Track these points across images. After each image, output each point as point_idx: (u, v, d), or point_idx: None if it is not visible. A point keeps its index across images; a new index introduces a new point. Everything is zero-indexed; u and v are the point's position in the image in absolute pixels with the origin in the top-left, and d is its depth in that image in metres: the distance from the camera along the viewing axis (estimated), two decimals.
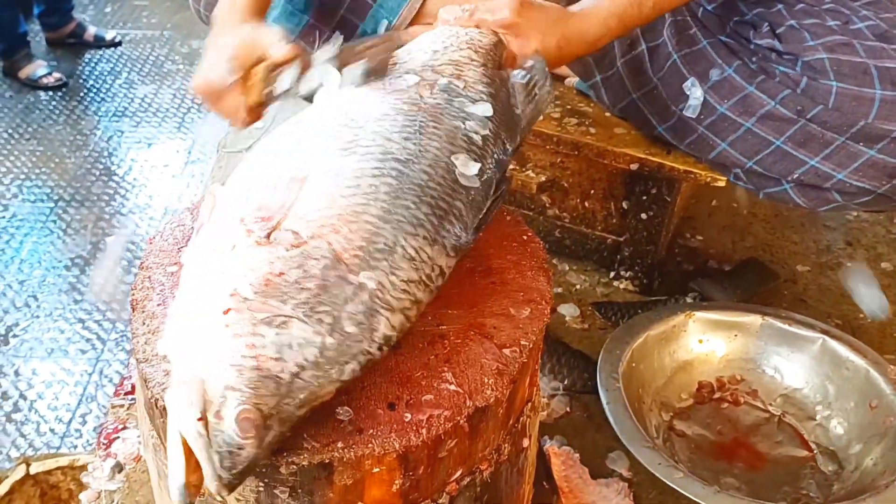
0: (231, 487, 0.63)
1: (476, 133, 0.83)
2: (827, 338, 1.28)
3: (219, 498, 0.64)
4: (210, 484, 0.62)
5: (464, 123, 0.83)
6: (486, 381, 0.75)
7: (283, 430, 0.65)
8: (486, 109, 0.85)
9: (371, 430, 0.70)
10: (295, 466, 0.68)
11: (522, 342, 0.79)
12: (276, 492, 0.71)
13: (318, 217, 0.71)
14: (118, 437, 1.07)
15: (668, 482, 1.06)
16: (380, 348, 0.70)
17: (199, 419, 0.62)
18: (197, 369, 0.65)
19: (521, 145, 0.89)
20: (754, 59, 1.18)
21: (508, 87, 0.91)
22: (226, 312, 0.66)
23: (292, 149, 0.79)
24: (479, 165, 0.80)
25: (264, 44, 0.93)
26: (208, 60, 0.95)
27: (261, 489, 0.71)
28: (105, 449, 1.07)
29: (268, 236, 0.70)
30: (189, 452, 0.62)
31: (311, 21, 1.32)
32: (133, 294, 0.82)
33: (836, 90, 1.08)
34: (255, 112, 0.92)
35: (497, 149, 0.84)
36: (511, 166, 0.88)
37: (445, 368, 0.76)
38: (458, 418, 0.72)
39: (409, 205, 0.74)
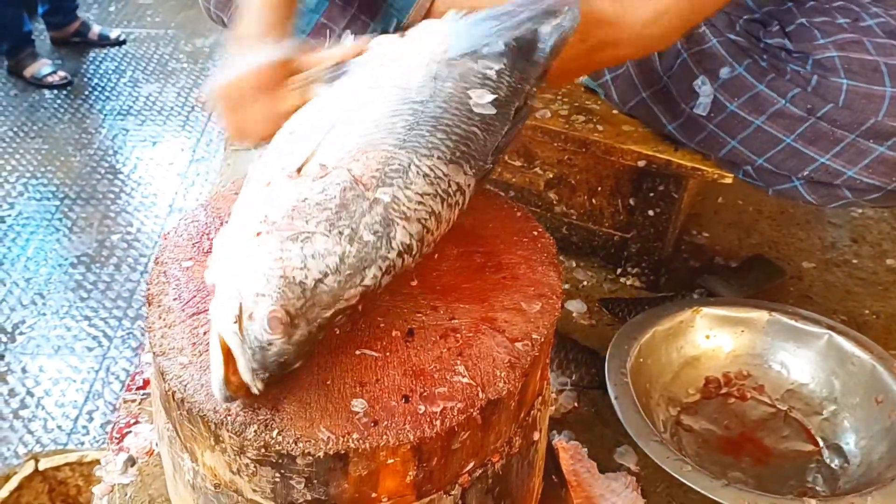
0: (263, 381, 0.69)
1: (489, 68, 0.86)
2: (833, 333, 1.29)
3: (255, 391, 0.69)
4: (245, 375, 0.69)
5: (476, 63, 0.86)
6: (498, 374, 0.76)
7: (311, 329, 0.71)
8: (497, 46, 0.87)
9: (386, 422, 0.70)
10: (311, 457, 0.69)
11: (534, 336, 0.80)
12: (292, 482, 0.72)
13: (342, 151, 0.79)
14: (130, 432, 1.08)
15: (676, 476, 1.07)
16: (399, 255, 0.76)
17: (235, 322, 0.70)
18: (234, 283, 0.72)
19: (545, 74, 0.91)
20: (764, 56, 1.18)
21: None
22: (258, 235, 0.74)
23: (320, 110, 0.87)
24: (494, 96, 0.84)
25: (296, 55, 0.93)
26: (232, 68, 0.95)
27: (277, 479, 0.72)
28: (118, 443, 1.07)
29: (298, 171, 0.78)
30: (228, 353, 0.69)
31: (322, 20, 1.32)
32: (149, 289, 0.83)
33: (846, 88, 1.08)
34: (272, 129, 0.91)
35: (513, 79, 0.87)
36: (533, 98, 0.90)
37: (458, 361, 0.76)
38: (471, 410, 0.73)
39: (424, 133, 0.80)
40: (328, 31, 1.40)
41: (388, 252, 0.75)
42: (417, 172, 0.78)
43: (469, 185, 0.82)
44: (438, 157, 0.79)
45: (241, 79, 0.93)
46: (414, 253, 0.77)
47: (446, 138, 0.81)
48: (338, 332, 0.78)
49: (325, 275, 0.72)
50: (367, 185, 0.76)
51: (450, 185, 0.80)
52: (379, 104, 0.83)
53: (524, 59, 0.89)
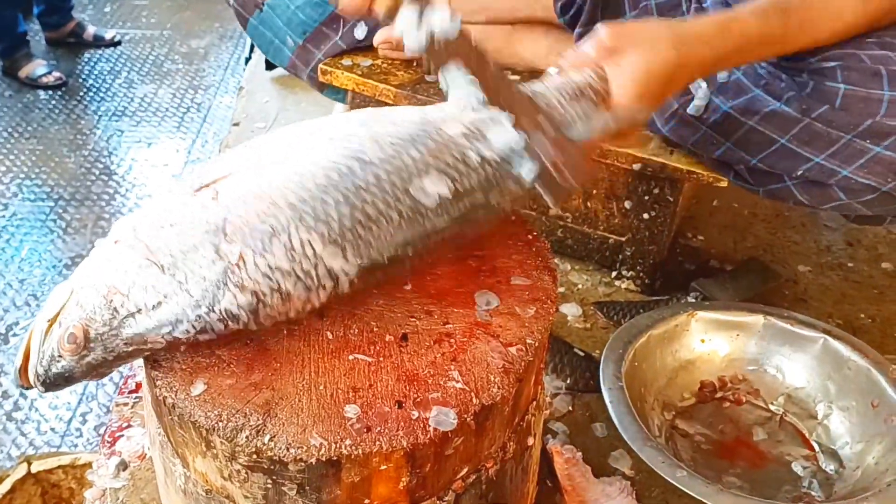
0: (43, 385, 0.72)
1: (478, 152, 0.79)
2: (828, 337, 1.28)
3: (38, 391, 0.73)
4: (30, 374, 0.72)
5: (471, 143, 0.79)
6: (492, 379, 0.75)
7: (106, 357, 0.72)
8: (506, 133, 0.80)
9: (379, 428, 0.70)
10: (303, 464, 0.69)
11: (528, 341, 0.80)
12: (284, 489, 0.71)
13: (243, 188, 0.74)
14: (123, 436, 1.08)
15: (671, 480, 1.07)
16: (221, 321, 0.71)
17: (48, 321, 0.72)
18: (76, 283, 0.73)
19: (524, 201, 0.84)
20: (763, 64, 1.18)
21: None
22: (116, 242, 0.74)
23: (286, 135, 0.82)
24: (446, 183, 0.76)
25: None
26: None
27: (269, 486, 0.71)
28: (109, 447, 1.07)
29: (197, 191, 0.75)
30: (28, 348, 0.72)
31: (336, 10, 1.33)
32: None
33: (843, 92, 1.08)
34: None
35: (492, 178, 0.79)
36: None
37: (452, 366, 0.76)
38: (465, 416, 0.73)
39: (329, 200, 0.73)
40: (342, 20, 1.40)
41: (208, 314, 0.71)
42: (282, 242, 0.71)
43: (348, 274, 0.73)
44: (321, 234, 0.72)
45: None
46: (243, 322, 0.72)
47: (347, 215, 0.73)
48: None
49: (139, 311, 0.71)
50: (227, 235, 0.71)
51: (316, 268, 0.72)
52: (330, 148, 0.77)
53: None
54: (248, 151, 0.81)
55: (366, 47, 1.50)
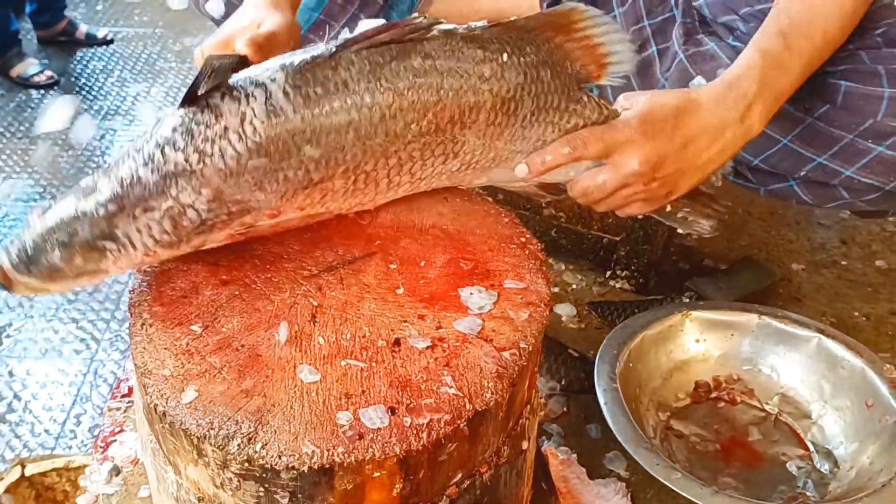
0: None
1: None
2: (822, 336, 1.28)
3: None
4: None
5: None
6: (485, 384, 0.75)
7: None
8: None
9: (371, 435, 0.69)
10: (295, 471, 0.68)
11: (522, 345, 0.79)
12: (277, 496, 0.70)
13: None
14: (115, 441, 1.07)
15: (666, 483, 1.07)
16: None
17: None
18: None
19: None
20: None
21: None
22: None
23: None
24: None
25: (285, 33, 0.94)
26: (222, 30, 0.95)
27: (261, 494, 0.71)
28: (102, 452, 1.06)
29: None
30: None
31: (322, 17, 1.32)
32: (131, 298, 0.81)
33: (844, 89, 1.07)
34: None
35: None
36: None
37: (445, 372, 0.75)
38: (458, 422, 0.72)
39: None
40: (327, 27, 1.40)
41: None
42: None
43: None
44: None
45: (225, 38, 0.94)
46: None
47: None
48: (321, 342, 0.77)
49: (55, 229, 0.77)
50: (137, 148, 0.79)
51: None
52: None
53: None
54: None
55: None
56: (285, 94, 0.78)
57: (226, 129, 0.77)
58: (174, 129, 0.77)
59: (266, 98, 0.78)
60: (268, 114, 0.77)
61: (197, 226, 0.78)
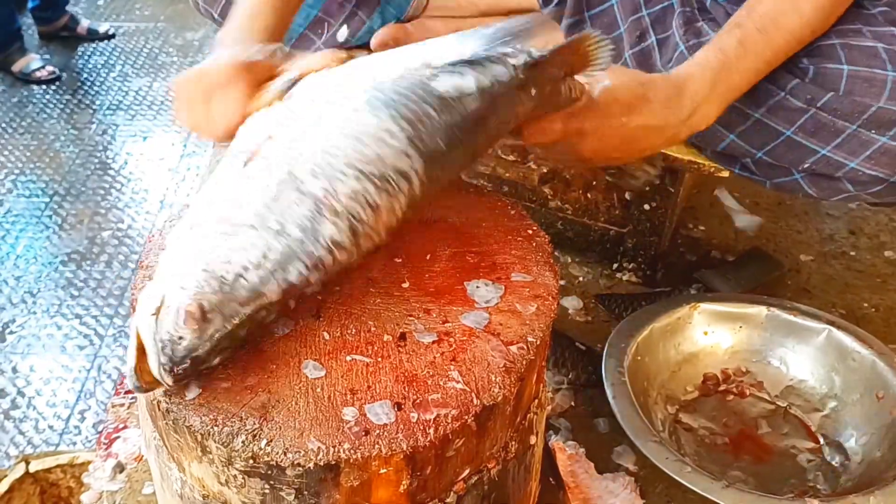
0: (171, 373, 0.69)
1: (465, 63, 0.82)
2: (832, 328, 1.27)
3: (165, 385, 0.69)
4: (153, 367, 0.68)
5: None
6: (493, 378, 0.74)
7: (226, 325, 0.70)
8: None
9: (377, 431, 0.68)
10: (301, 468, 0.67)
11: (529, 339, 0.78)
12: (282, 493, 0.70)
13: (288, 145, 0.77)
14: (119, 437, 1.06)
15: (675, 477, 1.05)
16: (327, 249, 0.73)
17: (153, 314, 0.70)
18: (162, 278, 0.73)
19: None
20: None
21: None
22: (191, 228, 0.75)
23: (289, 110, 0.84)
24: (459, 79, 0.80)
25: (272, 60, 0.91)
26: (200, 65, 0.93)
27: (266, 491, 0.70)
28: (106, 448, 1.05)
29: (245, 164, 0.77)
30: (141, 344, 0.69)
31: (320, 14, 1.31)
32: (133, 293, 0.80)
33: (846, 73, 1.06)
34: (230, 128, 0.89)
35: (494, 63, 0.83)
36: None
37: (452, 367, 0.74)
38: (466, 417, 0.71)
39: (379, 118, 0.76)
40: (325, 24, 1.38)
41: (315, 248, 0.73)
42: (351, 163, 0.74)
43: (416, 169, 0.76)
44: (381, 142, 0.75)
45: (204, 74, 0.91)
46: (347, 249, 0.74)
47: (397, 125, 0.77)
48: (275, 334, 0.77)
49: (247, 269, 0.71)
50: (301, 179, 0.74)
51: (390, 171, 0.75)
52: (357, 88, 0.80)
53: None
54: (271, 115, 0.83)
55: (346, 49, 1.49)
56: (421, 183, 0.78)
57: None
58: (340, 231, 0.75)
59: (409, 188, 0.78)
60: None
61: None
